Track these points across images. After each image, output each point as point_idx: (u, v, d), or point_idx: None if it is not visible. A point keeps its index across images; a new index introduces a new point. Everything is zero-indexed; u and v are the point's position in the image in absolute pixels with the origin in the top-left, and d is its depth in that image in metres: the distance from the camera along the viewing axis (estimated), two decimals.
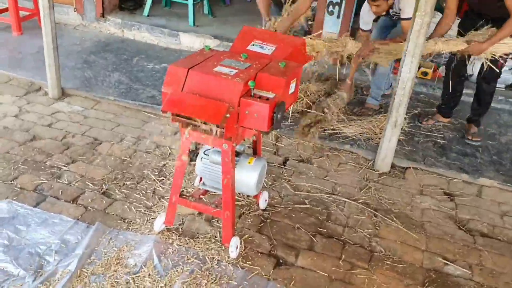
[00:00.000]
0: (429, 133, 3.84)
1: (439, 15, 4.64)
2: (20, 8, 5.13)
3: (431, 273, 2.46)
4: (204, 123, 2.13)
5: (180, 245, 2.44)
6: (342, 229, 2.71)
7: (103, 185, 2.87)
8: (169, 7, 6.15)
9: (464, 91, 3.91)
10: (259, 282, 2.28)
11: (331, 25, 4.71)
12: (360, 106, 4.12)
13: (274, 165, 3.24)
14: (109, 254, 2.35)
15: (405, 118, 3.45)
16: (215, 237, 2.53)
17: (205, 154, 2.43)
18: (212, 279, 2.26)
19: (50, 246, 2.37)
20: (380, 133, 3.51)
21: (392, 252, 2.57)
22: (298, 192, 2.99)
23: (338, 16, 4.70)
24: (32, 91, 3.97)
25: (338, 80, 4.18)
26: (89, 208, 2.68)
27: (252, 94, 2.09)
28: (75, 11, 5.55)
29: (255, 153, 2.70)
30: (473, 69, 4.29)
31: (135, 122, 3.64)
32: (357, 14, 4.41)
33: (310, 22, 4.80)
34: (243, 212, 2.74)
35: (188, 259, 2.36)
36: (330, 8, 4.69)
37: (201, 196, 2.59)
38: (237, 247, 2.41)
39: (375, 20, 4.08)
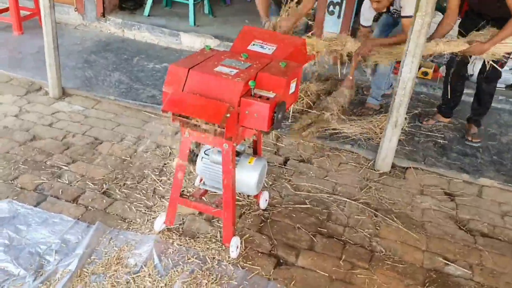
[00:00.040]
0: (429, 133, 3.84)
1: (439, 15, 4.65)
2: (21, 7, 5.13)
3: (431, 273, 2.46)
4: (205, 123, 2.13)
5: (181, 245, 2.44)
6: (343, 229, 2.71)
7: (104, 185, 2.87)
8: (169, 7, 6.15)
9: (464, 91, 3.91)
10: (260, 282, 2.28)
11: (331, 25, 4.71)
12: (360, 106, 4.12)
13: (275, 165, 3.24)
14: (110, 254, 2.35)
15: (405, 118, 3.45)
16: (216, 237, 2.53)
17: (205, 154, 2.43)
18: (212, 279, 2.26)
19: (51, 246, 2.37)
20: (381, 133, 3.51)
21: (393, 252, 2.57)
22: (298, 192, 2.99)
23: (338, 16, 4.70)
24: (32, 90, 3.97)
25: (339, 79, 4.18)
26: (89, 207, 2.68)
27: (252, 93, 2.09)
28: (75, 10, 5.55)
29: (256, 153, 2.70)
30: (474, 69, 4.28)
31: (136, 122, 3.64)
32: (357, 14, 4.41)
33: (310, 22, 4.80)
34: (244, 212, 2.74)
35: (189, 259, 2.36)
36: (331, 8, 4.69)
37: (202, 196, 2.59)
38: (237, 247, 2.41)
39: (376, 20, 4.08)
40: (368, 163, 3.36)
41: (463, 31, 3.41)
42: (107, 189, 2.84)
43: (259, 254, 2.46)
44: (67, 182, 2.87)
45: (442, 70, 4.71)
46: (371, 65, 3.96)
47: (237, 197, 2.78)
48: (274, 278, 2.32)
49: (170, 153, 3.26)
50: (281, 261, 2.44)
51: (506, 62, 3.45)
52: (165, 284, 2.21)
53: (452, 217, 2.90)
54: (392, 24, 3.87)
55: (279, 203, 2.86)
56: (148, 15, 5.67)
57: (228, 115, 2.01)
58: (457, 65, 3.60)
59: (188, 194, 2.53)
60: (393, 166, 3.33)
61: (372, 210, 2.88)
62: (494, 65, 3.32)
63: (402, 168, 3.35)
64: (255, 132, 2.45)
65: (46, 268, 2.24)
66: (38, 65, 4.26)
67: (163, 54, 5.05)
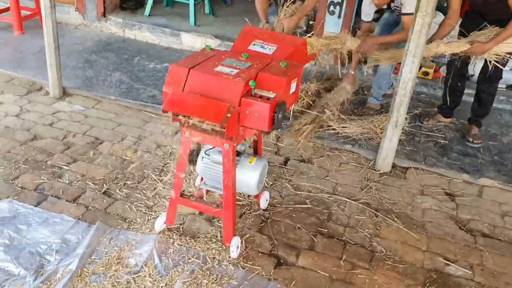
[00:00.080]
0: (430, 133, 3.83)
1: (440, 15, 4.64)
2: (22, 7, 5.14)
3: (432, 273, 2.46)
4: (205, 123, 2.13)
5: (181, 245, 2.44)
6: (343, 229, 2.71)
7: (104, 185, 2.87)
8: (170, 6, 6.15)
9: (465, 91, 3.91)
10: (260, 282, 2.28)
11: (332, 25, 4.70)
12: (361, 106, 4.12)
13: (275, 165, 3.24)
14: (110, 254, 2.35)
15: (406, 118, 3.45)
16: (216, 237, 2.53)
17: (206, 153, 2.43)
18: (212, 279, 2.26)
19: (51, 246, 2.37)
20: (381, 133, 3.51)
21: (393, 252, 2.56)
22: (299, 192, 2.98)
23: (339, 16, 4.69)
24: (33, 90, 3.98)
25: (339, 78, 4.17)
26: (90, 207, 2.68)
27: (253, 93, 2.09)
28: (76, 10, 5.56)
29: (256, 152, 2.70)
30: (474, 69, 4.28)
31: (136, 121, 3.64)
32: (358, 14, 4.40)
33: (311, 22, 4.80)
34: (244, 212, 2.74)
35: (189, 259, 2.36)
36: (331, 8, 4.68)
37: (202, 196, 2.59)
38: (238, 247, 2.41)
39: (376, 20, 4.08)
40: (369, 163, 3.36)
41: (464, 31, 3.40)
42: (107, 189, 2.84)
43: (260, 254, 2.46)
44: (67, 182, 2.87)
45: (443, 70, 4.70)
46: (372, 66, 3.96)
47: (238, 197, 2.78)
48: (275, 278, 2.32)
49: (170, 153, 3.26)
50: (282, 261, 2.44)
51: (507, 62, 3.44)
52: (166, 284, 2.21)
53: (453, 217, 2.90)
54: (393, 23, 3.86)
55: (280, 203, 2.86)
56: (149, 15, 5.67)
57: (228, 115, 2.01)
58: (458, 65, 3.60)
59: (188, 194, 2.53)
60: (394, 166, 3.32)
61: (373, 210, 2.88)
62: (497, 64, 3.31)
63: (403, 168, 3.34)
64: (255, 132, 2.45)
65: (47, 268, 2.24)
66: (38, 65, 4.27)
67: (163, 54, 5.06)
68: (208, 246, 2.46)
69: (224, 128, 2.08)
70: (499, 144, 3.80)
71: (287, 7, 3.73)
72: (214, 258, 2.38)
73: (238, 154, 2.45)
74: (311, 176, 3.17)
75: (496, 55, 3.26)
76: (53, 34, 3.65)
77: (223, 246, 2.45)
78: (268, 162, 3.06)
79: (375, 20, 4.07)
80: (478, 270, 2.51)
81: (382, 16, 4.01)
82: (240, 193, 2.79)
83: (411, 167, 3.35)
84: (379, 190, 3.08)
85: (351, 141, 3.57)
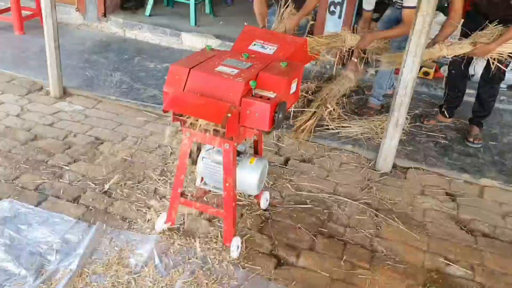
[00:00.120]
0: (430, 133, 3.83)
1: (440, 15, 4.64)
2: (22, 7, 5.14)
3: (432, 273, 2.46)
4: (206, 123, 2.13)
5: (181, 245, 2.44)
6: (344, 229, 2.71)
7: (104, 185, 2.87)
8: (171, 6, 6.16)
9: (466, 91, 3.90)
10: (260, 282, 2.28)
11: (332, 25, 4.70)
12: (362, 106, 4.12)
13: (275, 165, 3.24)
14: (110, 254, 2.35)
15: (406, 118, 3.45)
16: (216, 237, 2.53)
17: (206, 153, 2.43)
18: (213, 279, 2.26)
19: (51, 246, 2.37)
20: (382, 133, 3.51)
21: (394, 253, 2.56)
22: (299, 192, 2.98)
23: (339, 16, 4.69)
24: (34, 90, 3.98)
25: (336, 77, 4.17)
26: (90, 207, 2.68)
27: (253, 93, 2.09)
28: (77, 10, 5.56)
29: (257, 152, 2.70)
30: (475, 69, 4.27)
31: (137, 121, 3.65)
32: (358, 14, 4.40)
33: (311, 22, 4.79)
34: (244, 212, 2.74)
35: (189, 259, 2.36)
36: (332, 8, 4.68)
37: (203, 196, 2.59)
38: (238, 247, 2.41)
39: (376, 20, 4.07)
40: (369, 163, 3.36)
41: (465, 33, 3.38)
42: (108, 189, 2.84)
43: (260, 254, 2.46)
44: (68, 181, 2.87)
45: (444, 70, 4.71)
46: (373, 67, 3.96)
47: (238, 197, 2.78)
48: (275, 278, 2.32)
49: (171, 153, 3.26)
50: (282, 261, 2.44)
51: (510, 63, 3.43)
52: (166, 284, 2.21)
53: (453, 218, 2.90)
54: (395, 20, 3.85)
55: (280, 203, 2.86)
56: (150, 15, 5.67)
57: (229, 115, 2.01)
58: (462, 67, 3.58)
59: (189, 194, 2.53)
60: (394, 166, 3.32)
61: (373, 210, 2.87)
62: (500, 65, 3.29)
63: (403, 168, 3.34)
64: (256, 132, 2.45)
65: (47, 268, 2.24)
66: (39, 64, 4.27)
67: (164, 54, 5.06)
68: (208, 246, 2.45)
69: (225, 128, 2.07)
70: (500, 144, 3.80)
71: (282, 14, 3.74)
72: (214, 258, 2.38)
73: (239, 154, 2.45)
74: (311, 176, 3.16)
75: (499, 55, 3.24)
76: (54, 34, 3.65)
77: (224, 246, 2.45)
78: (269, 162, 3.05)
79: (376, 20, 4.07)
80: (479, 270, 2.51)
81: (384, 13, 4.00)
82: (240, 193, 2.79)
83: (411, 167, 3.35)
84: (380, 190, 3.08)
85: (352, 141, 3.57)
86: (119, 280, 2.20)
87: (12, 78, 4.14)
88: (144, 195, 2.82)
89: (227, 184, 2.28)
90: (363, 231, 2.70)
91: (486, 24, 3.27)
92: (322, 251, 2.52)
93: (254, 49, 2.44)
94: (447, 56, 3.30)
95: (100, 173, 2.97)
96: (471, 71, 3.96)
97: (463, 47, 3.23)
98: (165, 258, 2.35)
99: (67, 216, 2.57)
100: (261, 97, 2.08)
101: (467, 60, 3.50)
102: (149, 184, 2.91)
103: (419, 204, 2.99)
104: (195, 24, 5.55)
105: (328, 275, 2.37)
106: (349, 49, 3.62)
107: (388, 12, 3.90)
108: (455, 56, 3.33)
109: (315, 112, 3.69)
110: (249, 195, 2.81)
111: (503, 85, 4.50)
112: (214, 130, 2.13)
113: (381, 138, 3.43)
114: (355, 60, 3.82)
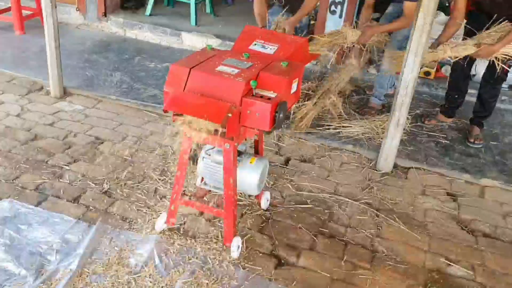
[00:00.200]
0: (431, 133, 3.82)
1: (441, 15, 4.63)
2: (23, 7, 5.14)
3: (433, 273, 2.45)
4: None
5: (182, 245, 2.44)
6: (344, 229, 2.70)
7: (105, 185, 2.86)
8: (171, 6, 6.16)
9: (468, 91, 3.89)
10: (261, 282, 2.28)
11: (333, 25, 4.69)
12: (363, 106, 4.11)
13: (276, 165, 3.23)
14: (110, 254, 2.35)
15: (407, 118, 3.44)
16: (217, 237, 2.52)
17: (206, 153, 2.42)
18: (213, 279, 2.26)
19: (51, 246, 2.36)
20: (383, 133, 3.50)
21: (394, 253, 2.56)
22: (300, 192, 2.98)
23: (340, 16, 4.68)
24: (34, 90, 3.98)
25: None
26: (90, 207, 2.67)
27: (254, 93, 2.08)
28: (77, 10, 5.56)
29: (257, 152, 2.69)
30: (477, 69, 4.26)
31: (137, 121, 3.64)
32: (359, 13, 4.39)
33: (312, 22, 4.79)
34: (245, 212, 2.73)
35: (190, 259, 2.36)
36: (332, 7, 4.67)
37: (203, 196, 2.58)
38: (238, 247, 2.40)
39: (377, 20, 4.06)
40: (370, 163, 3.35)
41: (469, 32, 3.37)
42: (108, 189, 2.84)
43: (260, 254, 2.45)
44: (68, 181, 2.87)
45: (445, 70, 4.70)
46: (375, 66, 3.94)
47: (238, 197, 2.77)
48: (275, 278, 2.31)
49: (171, 153, 3.26)
50: (282, 261, 2.43)
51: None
52: (166, 285, 2.20)
53: (454, 218, 2.89)
54: (397, 17, 3.83)
55: (281, 203, 2.85)
56: (150, 15, 5.67)
57: (229, 115, 2.00)
58: (462, 65, 3.57)
59: (189, 194, 2.52)
60: (395, 166, 3.31)
61: (374, 210, 2.87)
62: (503, 66, 3.28)
63: (404, 168, 3.34)
64: (256, 132, 2.44)
65: (47, 268, 2.24)
66: (39, 64, 4.26)
67: (164, 54, 5.05)
68: (208, 246, 2.45)
69: (225, 128, 2.07)
70: (501, 144, 3.79)
71: (282, 16, 3.74)
72: (214, 258, 2.38)
73: (239, 154, 2.44)
74: (312, 176, 3.16)
75: (503, 56, 3.22)
76: (54, 34, 3.65)
77: (224, 246, 2.45)
78: (269, 162, 3.05)
79: (376, 20, 4.05)
80: (480, 270, 2.50)
81: (385, 11, 3.98)
82: (240, 193, 2.79)
83: (412, 167, 3.34)
84: (381, 190, 3.07)
85: (353, 141, 3.56)
86: (119, 280, 2.20)
87: (12, 78, 4.14)
88: (144, 195, 2.81)
89: (227, 184, 2.27)
90: (364, 231, 2.69)
91: (490, 24, 3.25)
92: (322, 251, 2.52)
93: (255, 49, 2.43)
94: (451, 58, 3.28)
95: (100, 173, 2.97)
96: (472, 71, 3.95)
97: (467, 48, 3.21)
98: (165, 258, 2.35)
99: (67, 216, 2.57)
100: (261, 97, 2.07)
101: (470, 60, 3.49)
102: (149, 184, 2.91)
103: (420, 204, 2.98)
104: (196, 23, 5.55)
105: (328, 275, 2.36)
106: (351, 47, 3.61)
107: (390, 9, 3.88)
108: (459, 58, 3.31)
109: (316, 102, 3.67)
110: (250, 195, 2.80)
111: (504, 85, 4.48)
112: (214, 130, 2.12)
113: (382, 138, 3.42)
114: (357, 46, 3.76)
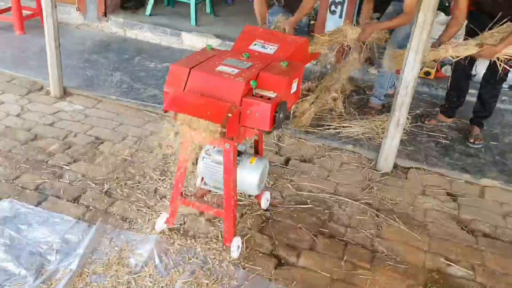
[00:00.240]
0: (431, 133, 3.82)
1: (441, 15, 4.62)
2: (23, 7, 5.13)
3: (433, 273, 2.45)
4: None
5: (182, 245, 2.44)
6: (344, 229, 2.70)
7: (105, 185, 2.86)
8: (171, 6, 6.15)
9: (468, 91, 3.89)
10: (261, 282, 2.28)
11: (333, 25, 4.69)
12: (363, 106, 4.11)
13: (276, 165, 3.23)
14: (110, 254, 2.35)
15: (407, 118, 3.44)
16: (217, 237, 2.52)
17: (206, 153, 2.42)
18: (213, 279, 2.26)
19: (51, 246, 2.36)
20: (383, 133, 3.50)
21: (394, 253, 2.56)
22: (300, 192, 2.98)
23: (340, 16, 4.68)
24: (34, 90, 3.98)
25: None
26: (90, 207, 2.67)
27: (254, 93, 2.08)
28: (77, 10, 5.56)
29: (257, 152, 2.69)
30: (477, 69, 4.26)
31: (137, 121, 3.64)
32: (359, 13, 4.39)
33: (312, 22, 4.79)
34: (245, 212, 2.73)
35: (190, 259, 2.36)
36: (333, 7, 4.67)
37: (203, 196, 2.58)
38: (238, 247, 2.40)
39: (377, 19, 4.06)
40: (370, 163, 3.35)
41: (471, 31, 3.37)
42: (108, 188, 2.84)
43: (260, 254, 2.45)
44: (68, 181, 2.87)
45: (445, 70, 4.70)
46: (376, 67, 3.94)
47: (238, 197, 2.77)
48: (275, 278, 2.31)
49: (171, 153, 3.25)
50: (282, 261, 2.43)
51: None
52: (166, 284, 2.20)
53: (454, 218, 2.89)
54: (399, 14, 3.83)
55: (281, 203, 2.85)
56: (150, 15, 5.67)
57: (229, 115, 2.00)
58: (463, 65, 3.56)
59: (189, 194, 2.52)
60: (395, 166, 3.31)
61: (374, 211, 2.87)
62: (505, 66, 3.27)
63: (404, 168, 3.34)
64: (256, 132, 2.44)
65: (47, 268, 2.24)
66: (39, 64, 4.26)
67: (164, 54, 5.05)
68: (208, 246, 2.45)
69: (225, 128, 2.07)
70: (501, 144, 3.79)
71: (281, 17, 3.74)
72: (214, 258, 2.38)
73: (239, 154, 2.44)
74: (312, 176, 3.16)
75: (505, 57, 3.21)
76: (54, 34, 3.65)
77: (224, 246, 2.45)
78: (269, 162, 3.05)
79: (377, 19, 4.06)
80: (480, 270, 2.50)
81: (385, 11, 3.98)
82: (240, 193, 2.79)
83: (412, 167, 3.34)
84: (381, 190, 3.07)
85: (353, 141, 3.56)
86: (119, 280, 2.20)
87: (12, 78, 4.14)
88: (144, 195, 2.81)
89: (227, 184, 2.27)
90: (364, 231, 2.69)
91: (492, 23, 3.23)
92: (322, 251, 2.52)
93: (255, 48, 2.43)
94: (452, 58, 3.28)
95: (100, 173, 2.97)
96: (472, 71, 3.95)
97: (469, 48, 3.21)
98: (165, 258, 2.35)
99: (67, 216, 2.57)
100: (261, 97, 2.07)
101: (471, 59, 3.49)
102: (149, 184, 2.91)
103: (420, 204, 2.98)
104: (196, 23, 5.55)
105: (328, 275, 2.36)
106: (351, 45, 3.61)
107: (390, 8, 3.88)
108: (460, 58, 3.30)
109: (318, 95, 3.67)
110: (250, 195, 2.80)
111: (504, 85, 4.48)
112: (214, 130, 2.12)
113: (382, 138, 3.42)
114: (357, 42, 3.76)
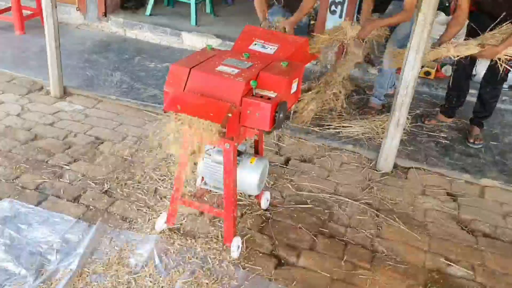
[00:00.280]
0: (431, 133, 3.82)
1: (441, 15, 4.62)
2: (23, 7, 5.13)
3: (433, 273, 2.45)
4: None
5: (182, 245, 2.44)
6: (344, 229, 2.70)
7: (105, 184, 2.86)
8: (171, 6, 6.15)
9: (469, 91, 3.89)
10: (261, 282, 2.28)
11: (333, 25, 4.69)
12: (363, 106, 4.11)
13: (276, 164, 3.23)
14: (110, 254, 2.35)
15: (407, 118, 3.44)
16: (217, 237, 2.52)
17: (206, 153, 2.42)
18: (213, 279, 2.26)
19: (52, 245, 2.37)
20: (383, 133, 3.50)
21: (394, 253, 2.56)
22: (300, 192, 2.98)
23: (340, 16, 4.68)
24: (34, 90, 3.98)
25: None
26: (90, 207, 2.67)
27: (254, 93, 2.08)
28: (77, 10, 5.56)
29: (257, 152, 2.69)
30: (477, 69, 4.26)
31: (137, 121, 3.64)
32: (359, 13, 4.39)
33: (312, 22, 4.79)
34: (245, 212, 2.73)
35: (190, 259, 2.36)
36: (333, 7, 4.67)
37: (203, 196, 2.58)
38: (238, 247, 2.40)
39: (380, 13, 4.04)
40: (370, 163, 3.35)
41: (471, 31, 3.36)
42: (108, 188, 2.84)
43: (260, 254, 2.45)
44: (68, 181, 2.87)
45: (445, 70, 4.70)
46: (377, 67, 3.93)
47: (238, 197, 2.77)
48: (275, 278, 2.31)
49: (171, 153, 3.25)
50: (282, 261, 2.43)
51: None
52: (166, 284, 2.20)
53: (454, 218, 2.89)
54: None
55: (281, 203, 2.85)
56: (150, 15, 5.67)
57: (229, 114, 2.00)
58: (464, 65, 3.56)
59: (189, 194, 2.52)
60: (395, 166, 3.31)
61: (374, 211, 2.87)
62: (507, 66, 3.27)
63: (404, 168, 3.34)
64: (256, 132, 2.44)
65: (47, 268, 2.24)
66: (39, 64, 4.26)
67: (164, 54, 5.05)
68: (208, 246, 2.45)
69: (225, 128, 2.07)
70: (501, 144, 3.79)
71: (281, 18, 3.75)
72: (214, 258, 2.38)
73: (239, 153, 2.44)
74: (312, 176, 3.16)
75: (506, 56, 3.21)
76: (55, 33, 3.65)
77: (224, 246, 2.45)
78: (269, 162, 3.05)
79: (376, 16, 4.05)
80: (480, 270, 2.50)
81: (385, 11, 3.97)
82: (240, 193, 2.79)
83: (412, 167, 3.34)
84: (381, 190, 3.07)
85: (353, 141, 3.56)
86: (119, 280, 2.20)
87: (13, 78, 4.14)
88: (144, 195, 2.81)
89: (227, 184, 2.27)
90: (364, 231, 2.69)
91: (493, 24, 3.23)
92: (322, 251, 2.52)
93: (255, 48, 2.44)
94: (453, 57, 3.28)
95: (100, 173, 2.97)
96: (473, 71, 3.95)
97: (470, 48, 3.21)
98: (165, 258, 2.35)
99: (67, 215, 2.57)
100: (261, 96, 2.08)
101: (472, 59, 3.48)
102: (149, 184, 2.91)
103: (420, 204, 2.98)
104: (196, 23, 5.55)
105: (328, 275, 2.36)
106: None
107: (390, 8, 3.88)
108: (461, 57, 3.30)
109: (319, 91, 3.66)
110: (250, 195, 2.80)
111: (504, 86, 4.48)
112: (214, 130, 2.12)
113: (382, 138, 3.42)
114: (357, 38, 3.76)
